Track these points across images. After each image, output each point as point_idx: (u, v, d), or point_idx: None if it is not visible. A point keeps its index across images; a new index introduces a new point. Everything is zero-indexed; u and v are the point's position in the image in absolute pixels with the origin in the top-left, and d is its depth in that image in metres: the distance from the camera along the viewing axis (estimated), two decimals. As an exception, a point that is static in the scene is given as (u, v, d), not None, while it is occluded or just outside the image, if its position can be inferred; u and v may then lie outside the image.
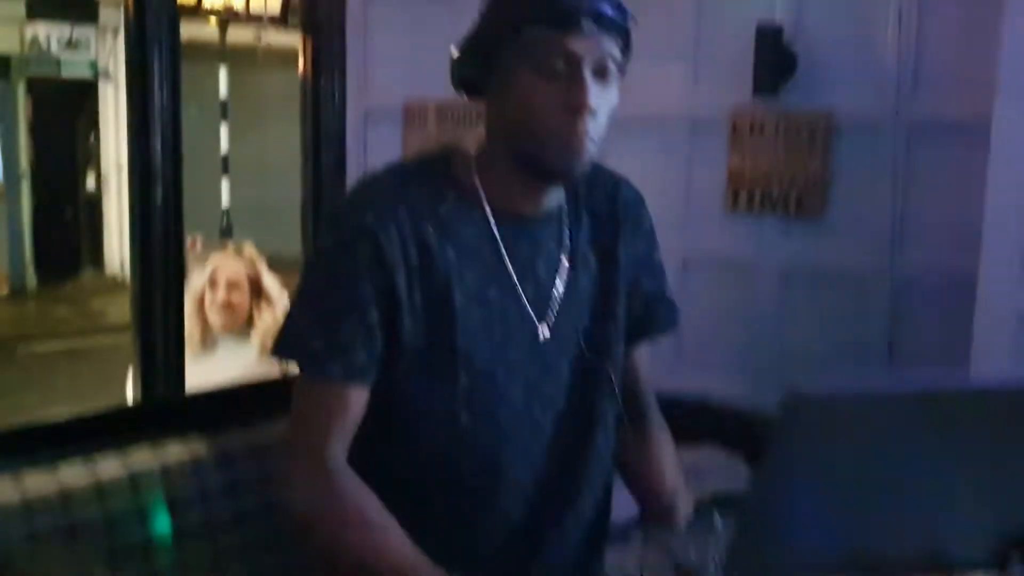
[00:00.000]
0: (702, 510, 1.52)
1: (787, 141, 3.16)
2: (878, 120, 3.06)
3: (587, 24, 1.38)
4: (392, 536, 1.38)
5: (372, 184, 1.49)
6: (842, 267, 3.15)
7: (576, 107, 1.39)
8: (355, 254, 1.41)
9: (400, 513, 1.41)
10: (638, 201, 1.62)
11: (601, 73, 1.40)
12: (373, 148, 3.50)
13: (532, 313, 1.49)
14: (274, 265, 3.36)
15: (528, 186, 1.48)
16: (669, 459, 1.67)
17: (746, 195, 3.23)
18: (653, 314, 1.64)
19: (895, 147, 3.05)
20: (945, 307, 2.94)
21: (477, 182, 1.48)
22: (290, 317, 1.48)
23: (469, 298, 1.46)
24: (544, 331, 1.50)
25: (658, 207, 1.67)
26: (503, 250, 1.48)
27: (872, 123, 3.08)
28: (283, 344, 1.46)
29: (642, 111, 3.00)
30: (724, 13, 3.30)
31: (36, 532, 1.56)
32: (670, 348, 2.91)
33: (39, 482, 1.60)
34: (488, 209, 1.48)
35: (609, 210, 1.58)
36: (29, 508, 1.57)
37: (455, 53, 1.47)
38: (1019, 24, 2.54)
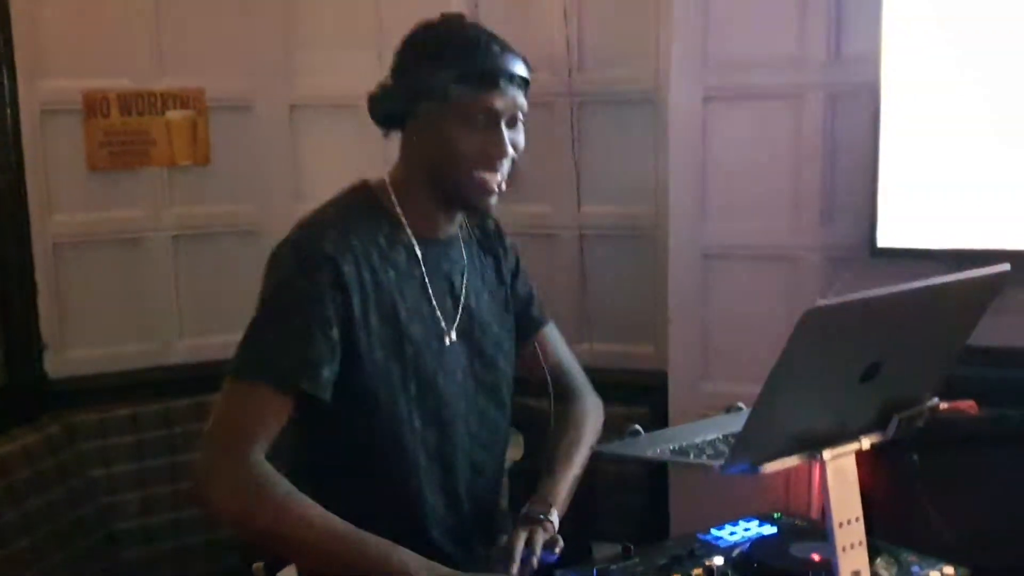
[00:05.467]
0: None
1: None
2: (552, 96, 3.43)
3: (504, 84, 1.59)
4: (329, 518, 1.49)
5: (322, 217, 1.64)
6: (534, 225, 3.48)
7: (497, 157, 1.61)
8: (318, 278, 1.55)
9: (358, 512, 1.52)
10: (498, 225, 1.88)
11: (513, 122, 1.63)
12: (53, 141, 3.40)
13: (444, 324, 1.70)
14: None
15: (443, 212, 1.70)
16: (575, 441, 1.87)
17: None
18: (529, 312, 1.92)
19: (569, 119, 3.43)
20: (625, 250, 3.44)
21: (400, 211, 1.67)
22: (252, 338, 1.56)
23: (410, 313, 1.65)
24: (453, 336, 1.71)
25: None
26: (423, 268, 1.68)
27: (546, 99, 3.42)
28: (249, 364, 1.54)
29: (332, 95, 3.38)
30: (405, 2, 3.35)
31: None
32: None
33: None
34: (410, 233, 1.67)
35: (483, 236, 1.84)
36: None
37: (375, 92, 1.65)
38: (683, 5, 3.01)
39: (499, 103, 1.59)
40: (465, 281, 1.74)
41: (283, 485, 1.50)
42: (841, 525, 1.42)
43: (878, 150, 2.74)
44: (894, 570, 1.56)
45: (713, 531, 1.73)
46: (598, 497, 3.19)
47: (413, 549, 1.49)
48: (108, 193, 3.48)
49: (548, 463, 1.81)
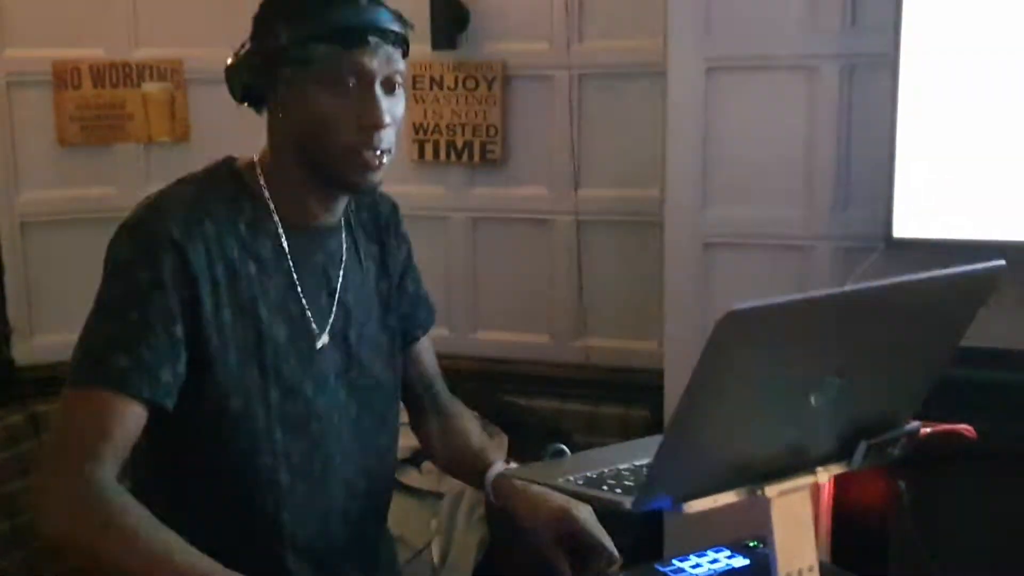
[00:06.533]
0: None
1: (466, 92, 3.32)
2: (550, 68, 3.27)
3: (374, 40, 1.40)
4: (189, 557, 1.29)
5: (173, 196, 1.45)
6: (528, 209, 3.36)
7: (372, 125, 1.41)
8: (160, 266, 1.37)
9: (214, 539, 1.34)
10: (395, 209, 1.67)
11: (390, 86, 1.43)
12: (20, 115, 3.31)
13: (315, 325, 1.51)
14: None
15: (320, 197, 1.50)
16: (471, 430, 1.74)
17: (431, 146, 3.37)
18: (416, 314, 1.71)
19: (568, 93, 3.24)
20: (626, 238, 3.27)
21: (267, 194, 1.48)
22: (87, 339, 1.38)
23: (274, 313, 1.47)
24: (325, 339, 1.52)
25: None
26: (290, 263, 1.49)
27: (544, 71, 3.28)
28: (83, 368, 1.36)
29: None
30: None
31: None
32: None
33: None
34: (278, 221, 1.48)
35: (372, 220, 1.63)
36: None
37: (230, 61, 1.47)
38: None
39: (370, 61, 1.40)
40: (343, 277, 1.55)
41: (133, 511, 1.31)
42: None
43: (896, 129, 2.51)
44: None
45: (675, 562, 1.55)
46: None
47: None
48: (79, 170, 3.37)
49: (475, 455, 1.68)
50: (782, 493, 1.17)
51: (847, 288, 1.08)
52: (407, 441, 1.84)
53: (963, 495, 2.00)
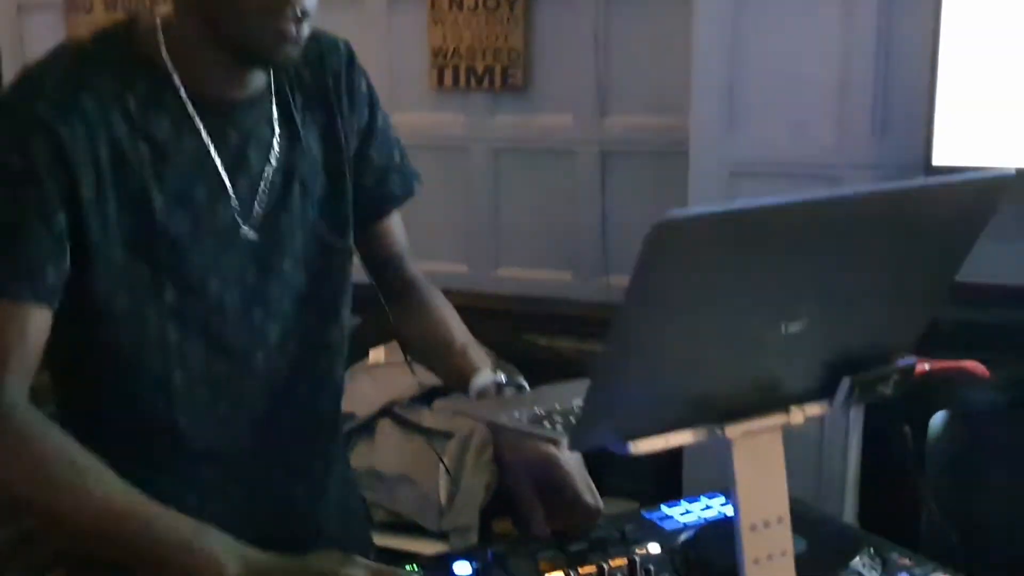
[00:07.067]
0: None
1: (487, 13, 3.19)
2: None
3: None
4: (114, 488, 1.19)
5: (43, 69, 1.27)
6: (551, 138, 3.23)
7: None
8: (31, 152, 1.21)
9: (109, 444, 1.24)
10: (350, 65, 1.45)
11: None
12: (31, 41, 3.31)
13: (233, 213, 1.34)
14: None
15: (229, 68, 1.31)
16: (451, 318, 1.56)
17: (451, 72, 3.26)
18: (385, 187, 1.52)
19: (595, 14, 3.10)
20: (653, 169, 3.13)
21: (168, 63, 1.29)
22: None
23: (172, 203, 1.29)
24: (244, 229, 1.35)
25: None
26: (208, 141, 1.31)
27: None
28: None
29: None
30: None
31: None
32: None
33: None
34: (184, 94, 1.30)
35: (318, 82, 1.42)
36: None
37: None
38: None
39: None
40: (268, 156, 1.37)
41: (51, 438, 1.21)
42: (754, 528, 1.06)
43: (939, 48, 2.37)
44: (878, 572, 1.27)
45: (663, 508, 1.47)
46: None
47: (166, 490, 1.20)
48: (92, 96, 3.31)
49: (448, 347, 1.51)
50: (747, 434, 1.03)
51: (819, 195, 0.92)
52: (417, 378, 1.68)
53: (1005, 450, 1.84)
